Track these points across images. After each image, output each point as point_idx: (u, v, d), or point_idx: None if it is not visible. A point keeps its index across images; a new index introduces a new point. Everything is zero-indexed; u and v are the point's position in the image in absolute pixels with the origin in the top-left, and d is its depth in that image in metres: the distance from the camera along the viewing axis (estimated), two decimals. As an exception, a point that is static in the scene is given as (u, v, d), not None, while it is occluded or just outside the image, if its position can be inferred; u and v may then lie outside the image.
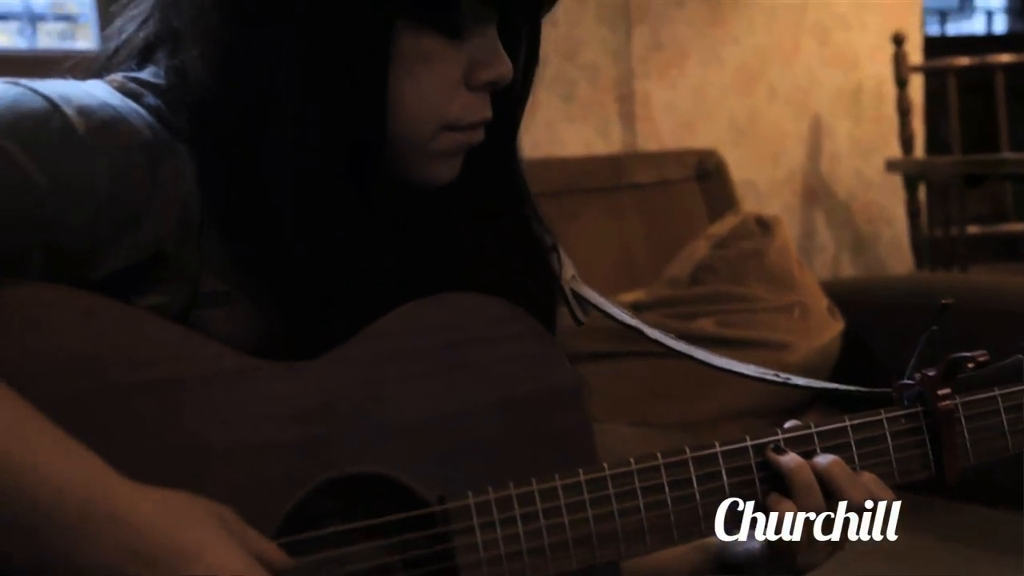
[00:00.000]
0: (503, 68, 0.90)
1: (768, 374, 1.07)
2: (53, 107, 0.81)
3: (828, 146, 3.22)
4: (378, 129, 0.87)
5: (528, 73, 0.96)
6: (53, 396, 0.78)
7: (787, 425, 1.00)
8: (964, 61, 3.26)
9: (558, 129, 2.80)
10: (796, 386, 1.09)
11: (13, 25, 2.54)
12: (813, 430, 0.99)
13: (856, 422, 1.00)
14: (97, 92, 0.86)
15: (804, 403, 2.29)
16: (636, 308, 2.30)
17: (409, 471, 0.88)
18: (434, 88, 0.89)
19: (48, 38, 2.57)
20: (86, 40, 2.50)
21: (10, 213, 0.78)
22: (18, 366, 0.78)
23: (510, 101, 0.96)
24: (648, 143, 2.92)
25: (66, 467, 0.75)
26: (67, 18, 2.58)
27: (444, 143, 0.91)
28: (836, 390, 1.08)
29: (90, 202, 0.81)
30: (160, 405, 0.83)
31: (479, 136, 0.93)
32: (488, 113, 0.92)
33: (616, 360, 2.21)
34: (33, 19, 2.47)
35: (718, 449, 0.96)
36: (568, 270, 1.04)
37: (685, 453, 0.94)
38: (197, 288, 0.87)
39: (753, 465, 0.97)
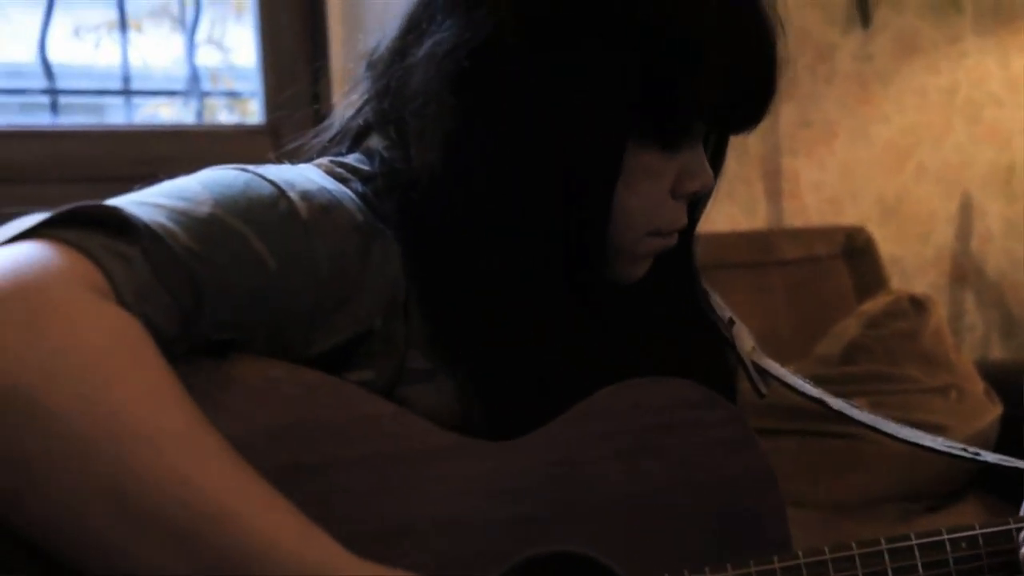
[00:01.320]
0: (708, 179, 0.94)
1: (956, 448, 1.06)
2: (280, 192, 0.86)
3: (979, 225, 3.17)
4: (599, 239, 0.91)
5: (714, 175, 0.99)
6: (276, 467, 0.81)
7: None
8: (1122, 139, 3.18)
9: (705, 205, 2.80)
10: (986, 462, 1.06)
11: (178, 99, 2.63)
12: None
13: None
14: (313, 176, 0.90)
15: (958, 489, 2.24)
16: (784, 386, 2.27)
17: (607, 551, 0.90)
18: (650, 199, 0.93)
19: (211, 113, 2.66)
20: (249, 115, 2.59)
21: (245, 293, 0.83)
22: (247, 438, 0.81)
23: (694, 200, 0.98)
24: (794, 220, 2.91)
25: (301, 546, 0.77)
26: (232, 94, 2.68)
27: (647, 247, 0.95)
28: None
29: (311, 284, 0.85)
30: (370, 479, 0.86)
31: (675, 240, 0.97)
32: (686, 220, 0.96)
33: (767, 437, 2.19)
34: (200, 95, 2.56)
35: (913, 541, 0.95)
36: (748, 343, 1.06)
37: (880, 544, 0.94)
38: (403, 365, 0.90)
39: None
